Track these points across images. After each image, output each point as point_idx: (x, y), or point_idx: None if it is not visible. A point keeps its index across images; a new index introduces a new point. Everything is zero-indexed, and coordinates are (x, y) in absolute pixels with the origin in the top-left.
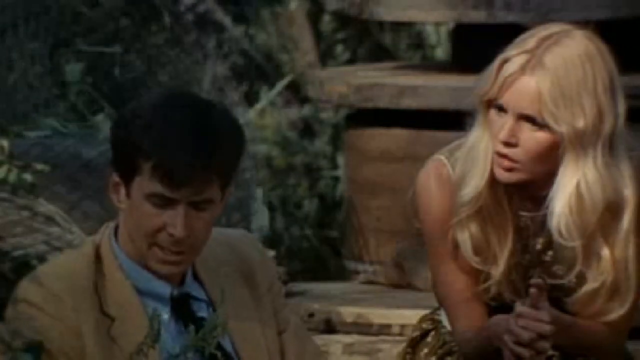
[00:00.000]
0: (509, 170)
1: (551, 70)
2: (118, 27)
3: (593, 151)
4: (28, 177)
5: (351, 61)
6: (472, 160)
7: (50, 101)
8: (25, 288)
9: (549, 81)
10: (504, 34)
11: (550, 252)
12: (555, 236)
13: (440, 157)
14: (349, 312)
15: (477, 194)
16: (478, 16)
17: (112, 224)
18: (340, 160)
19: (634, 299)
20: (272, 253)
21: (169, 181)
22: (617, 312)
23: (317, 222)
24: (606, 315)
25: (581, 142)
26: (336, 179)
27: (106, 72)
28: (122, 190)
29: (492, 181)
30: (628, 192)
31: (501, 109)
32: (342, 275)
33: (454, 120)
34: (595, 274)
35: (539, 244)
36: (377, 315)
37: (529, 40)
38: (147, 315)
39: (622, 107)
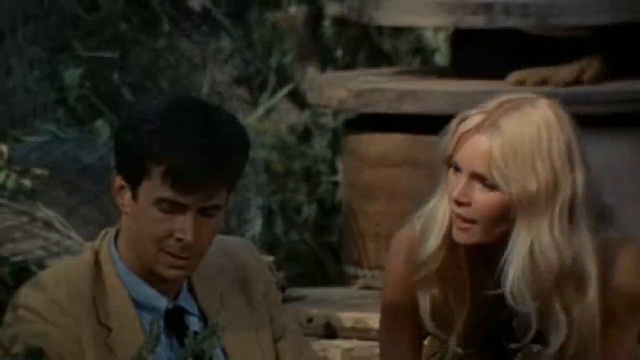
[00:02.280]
0: (465, 230)
1: (504, 131)
2: (117, 32)
3: (548, 217)
4: (27, 182)
5: (350, 66)
6: (432, 220)
7: (49, 106)
8: (26, 294)
9: (500, 141)
10: (503, 39)
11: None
12: (509, 300)
13: (415, 222)
14: (348, 317)
15: (433, 253)
16: (477, 21)
17: (112, 230)
18: (340, 165)
19: None
20: (271, 258)
21: (180, 186)
22: None
23: (316, 227)
24: None
25: (534, 206)
26: (335, 184)
27: (105, 77)
28: (127, 194)
29: (452, 243)
30: (591, 268)
31: (457, 168)
32: (341, 280)
33: None
34: (554, 340)
35: (504, 313)
36: (376, 320)
37: (491, 102)
38: (143, 327)
39: (581, 178)
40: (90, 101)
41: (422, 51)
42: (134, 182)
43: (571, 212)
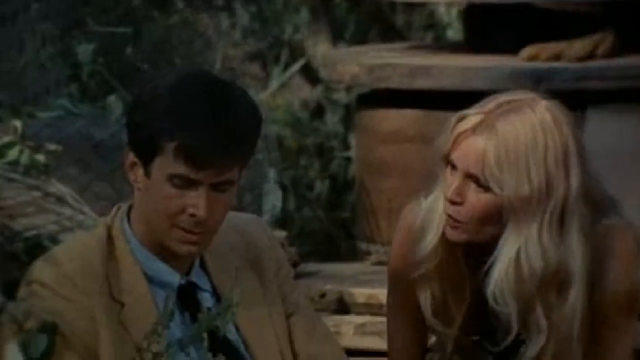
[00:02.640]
0: (455, 228)
1: (500, 134)
2: (129, 8)
3: (539, 222)
4: (40, 158)
5: (363, 42)
6: (430, 218)
7: (62, 82)
8: (39, 269)
9: (495, 143)
10: (516, 14)
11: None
12: (490, 301)
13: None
14: (360, 293)
15: (432, 251)
16: None
17: (124, 206)
18: (352, 141)
19: None
20: (283, 234)
21: (193, 162)
22: None
23: (329, 203)
24: None
25: (525, 209)
26: (348, 160)
27: (118, 53)
28: (140, 170)
29: (449, 241)
30: (577, 270)
31: (453, 167)
32: (354, 256)
33: (466, 101)
34: (533, 343)
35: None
36: None
37: (490, 102)
38: (155, 303)
39: (576, 182)
40: (103, 77)
41: (434, 26)
42: (146, 159)
43: (562, 217)
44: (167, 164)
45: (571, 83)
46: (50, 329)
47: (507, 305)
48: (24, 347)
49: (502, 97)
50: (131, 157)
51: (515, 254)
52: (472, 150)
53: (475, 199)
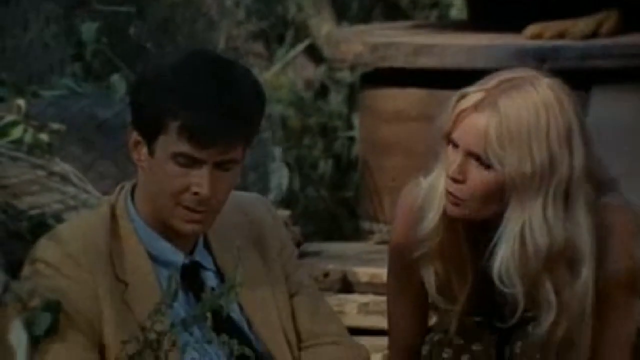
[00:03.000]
0: (456, 204)
1: (501, 111)
2: None
3: (542, 198)
4: (44, 137)
5: (367, 20)
6: (431, 196)
7: (66, 61)
8: (43, 248)
9: (496, 121)
10: None
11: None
12: (496, 281)
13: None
14: (364, 272)
15: (433, 229)
16: None
17: (127, 184)
18: (356, 120)
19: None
20: (287, 213)
21: (197, 141)
22: (575, 355)
23: (332, 182)
24: (566, 355)
25: (528, 187)
26: (351, 139)
27: (122, 32)
28: (143, 149)
29: (450, 219)
30: (586, 247)
31: (455, 145)
32: (357, 235)
33: (470, 80)
34: (544, 320)
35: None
36: None
37: (491, 80)
38: (159, 282)
39: (580, 161)
40: (107, 56)
41: (438, 5)
42: (150, 138)
43: (567, 194)
44: (170, 142)
45: (575, 61)
46: (54, 307)
47: (513, 284)
48: (28, 325)
49: (504, 75)
50: (135, 136)
51: (519, 231)
52: (474, 127)
53: (477, 176)
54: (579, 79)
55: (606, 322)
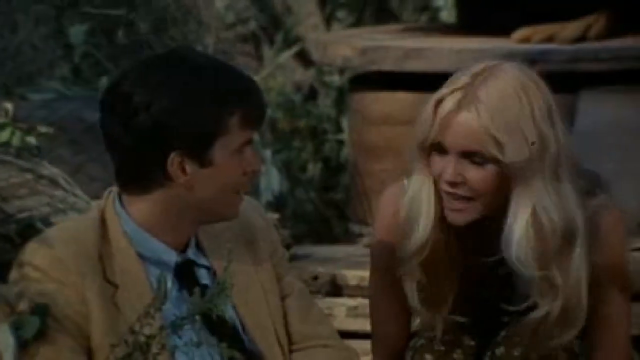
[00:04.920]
0: (461, 211)
1: (488, 104)
2: None
3: (542, 178)
4: (32, 139)
5: (356, 24)
6: (417, 209)
7: (55, 63)
8: (31, 251)
9: (489, 114)
10: None
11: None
12: (515, 266)
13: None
14: (353, 275)
15: (423, 243)
16: None
17: (115, 189)
18: (345, 123)
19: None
20: (276, 216)
21: (259, 122)
22: (565, 337)
23: (322, 185)
24: (554, 340)
25: (529, 170)
26: (341, 142)
27: (111, 34)
28: (189, 166)
29: (442, 227)
30: (578, 219)
31: (442, 150)
32: (347, 238)
33: None
34: (546, 302)
35: (496, 283)
36: None
37: (461, 77)
38: (150, 283)
39: (562, 134)
40: (96, 58)
41: (428, 8)
42: (202, 150)
43: (556, 169)
44: (234, 137)
45: (564, 65)
46: (43, 311)
47: (531, 266)
48: (16, 329)
49: (470, 70)
50: (175, 158)
51: (531, 212)
52: (465, 127)
53: (477, 174)
54: (568, 82)
55: (598, 321)
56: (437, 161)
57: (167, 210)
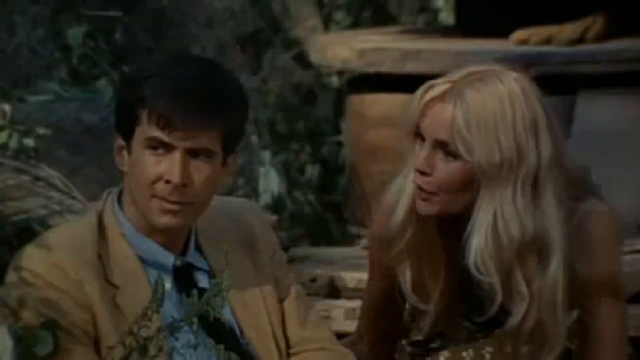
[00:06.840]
0: (426, 200)
1: (469, 101)
2: None
3: (512, 189)
4: (30, 141)
5: (354, 25)
6: (400, 194)
7: (52, 65)
8: (29, 256)
9: (464, 110)
10: None
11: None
12: (473, 271)
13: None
14: (351, 277)
15: (401, 227)
16: None
17: (115, 190)
18: (343, 125)
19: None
20: (274, 218)
21: (164, 123)
22: (546, 357)
23: (320, 187)
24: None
25: (497, 176)
26: (339, 144)
27: (108, 36)
28: (125, 153)
29: (418, 217)
30: (555, 237)
31: (422, 139)
32: (345, 240)
33: None
34: (516, 311)
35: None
36: None
37: (458, 72)
38: (151, 284)
39: (547, 151)
40: (93, 60)
41: (426, 10)
42: (128, 136)
43: (535, 185)
44: (143, 130)
45: (561, 67)
46: (52, 325)
47: (490, 274)
48: (29, 347)
49: (471, 68)
50: (119, 140)
51: (492, 220)
52: (441, 116)
53: (444, 167)
54: (566, 84)
55: (591, 329)
56: (418, 149)
57: (134, 202)
